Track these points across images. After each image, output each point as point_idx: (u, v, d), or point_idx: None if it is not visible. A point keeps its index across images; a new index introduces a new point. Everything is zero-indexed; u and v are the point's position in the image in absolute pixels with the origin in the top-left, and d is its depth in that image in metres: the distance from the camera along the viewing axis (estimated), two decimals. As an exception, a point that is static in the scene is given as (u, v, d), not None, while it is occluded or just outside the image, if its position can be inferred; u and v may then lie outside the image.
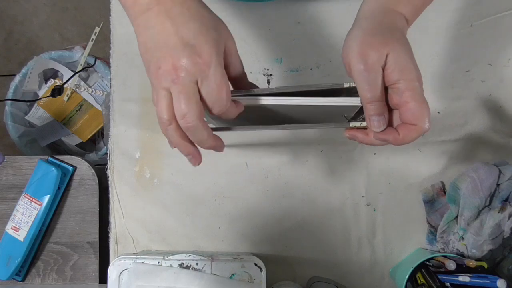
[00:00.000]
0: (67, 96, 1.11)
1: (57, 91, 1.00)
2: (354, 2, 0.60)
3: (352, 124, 0.42)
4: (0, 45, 1.46)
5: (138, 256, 0.56)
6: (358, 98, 0.39)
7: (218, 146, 0.39)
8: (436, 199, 0.60)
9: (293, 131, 0.61)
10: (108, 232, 0.64)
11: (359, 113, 0.43)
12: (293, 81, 0.61)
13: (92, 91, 1.12)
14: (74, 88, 1.11)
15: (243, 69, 0.40)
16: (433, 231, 0.60)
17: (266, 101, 0.39)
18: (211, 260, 0.55)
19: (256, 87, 0.42)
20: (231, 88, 0.40)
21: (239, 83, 0.41)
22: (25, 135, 1.11)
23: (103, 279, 0.66)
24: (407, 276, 0.54)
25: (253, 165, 0.62)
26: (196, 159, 0.39)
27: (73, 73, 1.07)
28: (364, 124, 0.41)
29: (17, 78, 1.08)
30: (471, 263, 0.54)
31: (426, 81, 0.60)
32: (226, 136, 0.41)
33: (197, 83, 0.34)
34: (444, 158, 0.61)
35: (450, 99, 0.61)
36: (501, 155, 0.60)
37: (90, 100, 1.12)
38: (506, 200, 0.57)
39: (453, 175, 0.59)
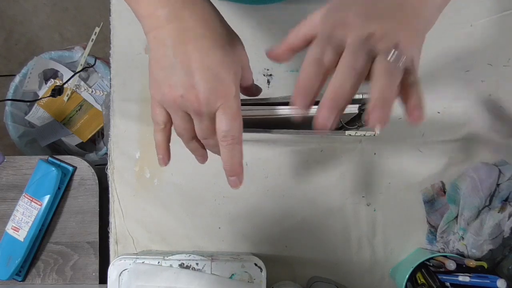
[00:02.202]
0: (67, 96, 1.11)
1: (57, 91, 1.00)
2: (354, 2, 0.60)
3: (348, 133, 0.42)
4: (0, 45, 1.46)
5: (138, 256, 0.56)
6: (356, 106, 0.39)
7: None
8: (436, 199, 0.60)
9: (293, 131, 0.61)
10: (108, 232, 0.64)
11: (354, 119, 0.43)
12: (293, 81, 0.61)
13: (92, 91, 1.12)
14: (74, 88, 1.11)
15: (252, 79, 0.40)
16: (433, 231, 0.60)
17: (265, 111, 0.40)
18: (211, 260, 0.55)
19: (259, 88, 0.42)
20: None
21: (247, 91, 0.41)
22: (25, 135, 1.11)
23: (103, 279, 0.66)
24: (407, 276, 0.54)
25: (253, 165, 0.62)
26: (205, 158, 0.41)
27: (73, 73, 1.07)
28: (358, 134, 0.41)
29: (17, 78, 1.08)
30: (471, 263, 0.54)
31: (426, 80, 0.61)
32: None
33: (215, 111, 0.34)
34: (444, 158, 0.61)
35: (450, 99, 0.61)
36: (501, 155, 0.60)
37: (90, 100, 1.12)
38: (506, 200, 0.57)
39: (453, 175, 0.59)
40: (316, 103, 0.32)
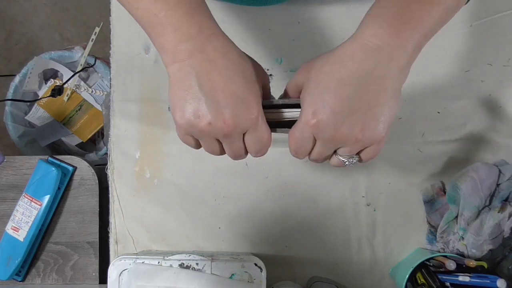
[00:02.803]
0: (67, 96, 1.11)
1: (57, 91, 1.00)
2: (354, 3, 0.60)
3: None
4: (0, 45, 1.46)
5: (138, 256, 0.56)
6: None
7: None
8: (436, 199, 0.60)
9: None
10: (108, 232, 0.64)
11: None
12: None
13: (92, 91, 1.12)
14: (74, 88, 1.11)
15: (269, 93, 0.42)
16: (433, 231, 0.60)
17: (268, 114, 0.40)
18: (211, 260, 0.55)
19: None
20: None
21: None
22: (25, 135, 1.11)
23: (103, 279, 0.66)
24: (407, 276, 0.54)
25: (253, 165, 0.62)
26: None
27: (73, 73, 1.07)
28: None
29: (17, 78, 1.08)
30: (471, 263, 0.54)
31: (426, 80, 0.61)
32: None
33: (244, 133, 0.36)
34: (444, 158, 0.61)
35: (450, 99, 0.61)
36: (501, 155, 0.60)
37: (90, 100, 1.12)
38: (506, 200, 0.57)
39: (453, 175, 0.59)
40: (298, 105, 0.38)
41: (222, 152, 0.39)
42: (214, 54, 0.34)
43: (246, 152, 0.39)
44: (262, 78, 0.38)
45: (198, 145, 0.39)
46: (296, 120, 0.38)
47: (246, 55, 0.37)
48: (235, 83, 0.34)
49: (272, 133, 0.39)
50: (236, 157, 0.39)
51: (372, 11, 0.36)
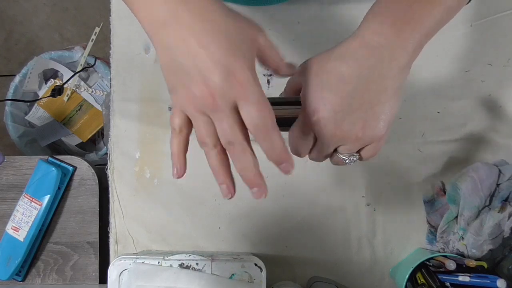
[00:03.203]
0: (67, 96, 1.11)
1: (57, 91, 1.00)
2: (354, 2, 0.60)
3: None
4: (0, 45, 1.46)
5: (138, 256, 0.56)
6: None
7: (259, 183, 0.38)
8: (436, 199, 0.60)
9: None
10: (108, 232, 0.64)
11: None
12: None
13: (92, 91, 1.12)
14: (74, 88, 1.11)
15: (279, 57, 0.37)
16: (433, 231, 0.60)
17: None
18: (211, 260, 0.55)
19: (292, 66, 0.39)
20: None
21: (278, 70, 0.38)
22: (25, 135, 1.11)
23: (103, 279, 0.66)
24: (407, 276, 0.54)
25: (253, 165, 0.62)
26: (229, 190, 0.37)
27: (73, 73, 1.07)
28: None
29: (17, 78, 1.08)
30: (471, 263, 0.54)
31: (426, 80, 0.61)
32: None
33: (237, 107, 0.32)
34: (444, 158, 0.61)
35: (450, 99, 0.61)
36: (501, 155, 0.60)
37: (90, 100, 1.12)
38: (506, 200, 0.57)
39: (453, 175, 0.59)
40: (298, 103, 0.37)
41: (215, 139, 0.34)
42: (190, 19, 0.31)
43: (240, 134, 0.33)
44: (254, 36, 0.34)
45: (184, 126, 0.35)
46: (297, 118, 0.38)
47: (231, 11, 0.33)
48: (215, 47, 0.30)
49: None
50: (228, 139, 0.33)
51: (373, 10, 0.36)
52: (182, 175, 0.38)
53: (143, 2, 0.32)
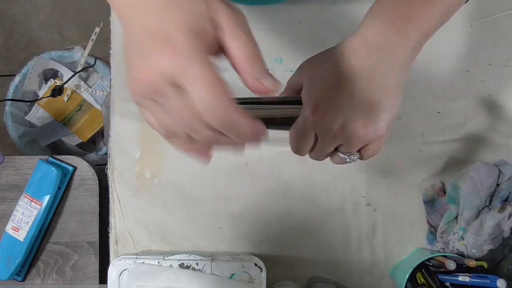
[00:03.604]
0: (67, 96, 1.11)
1: (57, 91, 1.00)
2: (354, 2, 0.60)
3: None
4: (0, 45, 1.46)
5: (138, 256, 0.56)
6: None
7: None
8: (436, 199, 0.60)
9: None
10: (108, 232, 0.64)
11: None
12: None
13: (92, 91, 1.12)
14: (74, 88, 1.11)
15: (255, 49, 0.29)
16: (433, 231, 0.60)
17: (266, 111, 0.37)
18: (211, 260, 0.55)
19: (271, 80, 0.29)
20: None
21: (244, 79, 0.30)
22: (25, 135, 1.11)
23: (103, 279, 0.66)
24: (407, 276, 0.54)
25: (253, 165, 0.62)
26: (204, 155, 0.32)
27: (73, 73, 1.07)
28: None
29: (17, 78, 1.08)
30: (471, 263, 0.54)
31: (426, 80, 0.61)
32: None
33: (178, 86, 0.26)
34: (444, 158, 0.61)
35: (450, 99, 0.61)
36: (501, 155, 0.60)
37: (90, 100, 1.12)
38: (506, 200, 0.57)
39: (453, 175, 0.59)
40: (298, 102, 0.37)
41: (169, 126, 0.28)
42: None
43: (192, 117, 0.26)
44: (211, 3, 0.27)
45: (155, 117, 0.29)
46: (297, 117, 0.38)
47: None
48: (153, 15, 0.25)
49: (272, 131, 0.38)
50: (182, 126, 0.28)
51: (374, 9, 0.36)
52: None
53: None
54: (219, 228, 0.62)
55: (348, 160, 0.38)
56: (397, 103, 0.36)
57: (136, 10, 0.26)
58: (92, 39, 1.07)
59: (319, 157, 0.39)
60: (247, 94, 0.32)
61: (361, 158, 0.39)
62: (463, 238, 0.57)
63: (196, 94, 0.25)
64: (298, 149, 0.38)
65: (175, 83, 0.25)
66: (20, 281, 0.67)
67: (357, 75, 0.34)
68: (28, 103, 1.13)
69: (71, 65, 1.11)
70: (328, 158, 0.40)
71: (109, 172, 0.63)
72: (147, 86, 0.26)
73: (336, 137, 0.35)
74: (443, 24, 0.36)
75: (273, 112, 0.38)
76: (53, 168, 0.65)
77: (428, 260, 0.56)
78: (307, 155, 0.40)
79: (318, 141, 0.37)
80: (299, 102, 0.38)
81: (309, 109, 0.35)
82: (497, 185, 0.57)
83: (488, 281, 0.52)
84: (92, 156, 1.10)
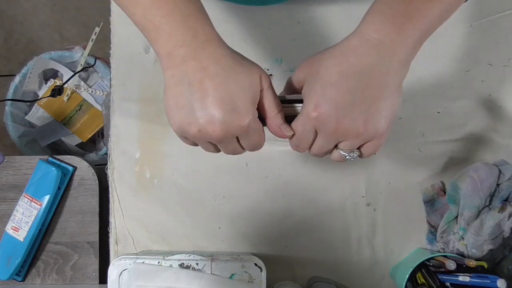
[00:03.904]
0: (67, 96, 1.11)
1: (57, 91, 1.00)
2: (354, 2, 0.60)
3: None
4: (0, 45, 1.46)
5: (138, 256, 0.56)
6: None
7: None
8: (436, 199, 0.60)
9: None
10: (108, 232, 0.64)
11: None
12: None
13: (92, 91, 1.12)
14: (74, 88, 1.11)
15: (277, 107, 0.38)
16: (433, 231, 0.60)
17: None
18: (211, 260, 0.55)
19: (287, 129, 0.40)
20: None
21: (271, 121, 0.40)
22: (25, 135, 1.11)
23: (103, 279, 0.66)
24: (407, 276, 0.54)
25: (253, 165, 0.62)
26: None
27: (73, 73, 1.07)
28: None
29: (17, 78, 1.08)
30: (471, 263, 0.54)
31: (426, 80, 0.61)
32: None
33: (237, 137, 0.37)
34: (444, 158, 0.61)
35: (450, 99, 0.61)
36: (501, 155, 0.60)
37: (90, 100, 1.12)
38: (506, 200, 0.57)
39: (453, 175, 0.59)
40: (298, 101, 0.39)
41: (219, 151, 0.40)
42: (206, 61, 0.34)
43: (243, 149, 0.39)
44: (258, 83, 0.37)
45: (196, 144, 0.39)
46: (297, 115, 0.38)
47: (243, 58, 0.37)
48: (226, 90, 0.34)
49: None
50: (232, 154, 0.40)
51: (374, 7, 0.36)
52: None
53: (164, 39, 0.34)
54: (219, 228, 0.62)
55: (347, 157, 0.38)
56: (397, 101, 0.36)
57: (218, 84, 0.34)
58: (92, 39, 1.07)
59: (318, 154, 0.39)
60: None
61: (361, 155, 0.39)
62: (463, 238, 0.57)
63: (246, 144, 0.38)
64: (298, 146, 0.39)
65: (235, 136, 0.37)
66: (20, 281, 0.67)
67: (357, 73, 0.34)
68: (28, 103, 1.13)
69: (71, 65, 1.11)
70: (328, 155, 0.40)
71: (109, 172, 0.63)
72: (212, 137, 0.35)
73: (336, 133, 0.36)
74: (442, 23, 0.37)
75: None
76: (53, 168, 0.65)
77: (428, 260, 0.56)
78: (307, 152, 0.40)
79: (318, 137, 0.37)
80: (299, 101, 0.38)
81: (309, 106, 0.35)
82: (497, 185, 0.57)
83: (488, 281, 0.52)
84: (92, 156, 1.10)
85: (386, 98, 0.35)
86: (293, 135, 0.39)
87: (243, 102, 0.35)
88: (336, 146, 0.38)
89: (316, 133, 0.37)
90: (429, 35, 0.36)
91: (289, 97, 0.40)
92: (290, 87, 0.41)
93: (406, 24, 0.34)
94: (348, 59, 0.35)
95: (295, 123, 0.38)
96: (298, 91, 0.40)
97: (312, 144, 0.39)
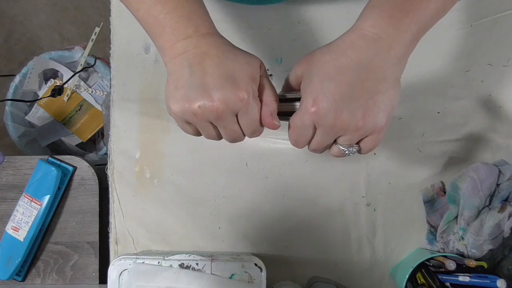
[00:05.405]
0: (67, 96, 1.11)
1: (57, 91, 1.00)
2: (353, 2, 0.60)
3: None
4: (0, 45, 1.46)
5: (138, 256, 0.56)
6: None
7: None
8: (436, 199, 0.60)
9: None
10: (108, 232, 0.64)
11: None
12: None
13: (92, 91, 1.12)
14: (74, 88, 1.11)
15: (274, 94, 0.39)
16: (433, 231, 0.60)
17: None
18: (211, 260, 0.55)
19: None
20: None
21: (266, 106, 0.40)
22: (25, 135, 1.11)
23: (103, 279, 0.66)
24: (407, 276, 0.54)
25: (253, 165, 0.62)
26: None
27: (73, 73, 1.07)
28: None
29: (17, 78, 1.08)
30: (471, 263, 0.54)
31: (426, 80, 0.61)
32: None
33: (236, 115, 0.37)
34: (444, 158, 0.61)
35: (450, 99, 0.61)
36: (501, 155, 0.60)
37: (90, 100, 1.12)
38: (506, 200, 0.57)
39: (453, 175, 0.59)
40: (297, 99, 0.39)
41: (220, 136, 0.40)
42: (207, 47, 0.36)
43: (243, 135, 0.39)
44: (258, 66, 0.38)
45: (197, 132, 0.39)
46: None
47: (241, 50, 0.38)
48: (225, 67, 0.35)
49: (272, 132, 0.39)
50: (232, 140, 0.40)
51: (372, 3, 0.37)
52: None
53: (168, 34, 0.36)
54: (219, 228, 0.62)
55: (346, 152, 0.38)
56: (396, 95, 0.36)
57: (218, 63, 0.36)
58: (92, 39, 1.07)
59: (317, 149, 0.39)
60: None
61: (359, 151, 0.39)
62: (463, 238, 0.57)
63: (246, 122, 0.37)
64: (296, 141, 0.39)
65: (235, 112, 0.36)
66: (20, 281, 0.67)
67: (354, 67, 0.34)
68: (28, 103, 1.13)
69: (71, 65, 1.11)
70: (328, 156, 0.40)
71: (109, 172, 0.63)
72: (212, 113, 0.35)
73: (334, 128, 0.36)
74: (440, 18, 0.37)
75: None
76: (53, 168, 0.65)
77: (428, 260, 0.56)
78: (306, 149, 0.40)
79: (317, 132, 0.37)
80: (298, 100, 0.38)
81: (308, 101, 0.35)
82: (497, 185, 0.57)
83: (488, 281, 0.52)
84: (92, 156, 1.10)
85: (384, 91, 0.35)
86: (284, 128, 0.39)
87: (242, 78, 0.35)
88: (335, 141, 0.38)
89: (315, 128, 0.37)
90: (426, 30, 0.36)
91: (288, 95, 0.40)
92: (289, 85, 0.41)
93: (403, 18, 0.35)
94: (345, 53, 0.35)
95: (294, 118, 0.38)
96: (297, 89, 0.40)
97: (311, 140, 0.38)
